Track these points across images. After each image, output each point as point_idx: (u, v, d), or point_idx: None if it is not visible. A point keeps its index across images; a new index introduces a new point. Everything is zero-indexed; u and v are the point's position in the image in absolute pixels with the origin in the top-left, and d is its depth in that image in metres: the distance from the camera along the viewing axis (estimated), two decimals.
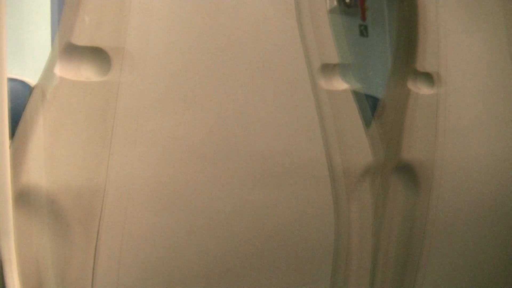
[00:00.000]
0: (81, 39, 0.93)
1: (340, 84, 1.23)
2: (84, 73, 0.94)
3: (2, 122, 0.84)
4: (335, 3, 1.53)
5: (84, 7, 0.93)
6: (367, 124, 1.30)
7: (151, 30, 0.98)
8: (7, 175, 0.85)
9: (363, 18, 1.69)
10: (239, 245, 1.09)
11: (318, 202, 1.18)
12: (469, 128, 1.46)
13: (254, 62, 1.10)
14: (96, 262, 0.94)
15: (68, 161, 0.92)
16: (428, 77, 1.38)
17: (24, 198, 0.90)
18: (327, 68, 1.20)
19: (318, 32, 1.19)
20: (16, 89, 1.02)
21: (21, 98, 0.97)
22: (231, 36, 1.07)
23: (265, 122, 1.10)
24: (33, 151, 0.90)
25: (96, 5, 0.94)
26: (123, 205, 0.96)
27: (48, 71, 0.94)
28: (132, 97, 0.96)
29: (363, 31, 1.67)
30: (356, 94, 1.26)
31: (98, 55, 0.94)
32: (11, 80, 0.88)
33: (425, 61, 1.37)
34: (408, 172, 1.37)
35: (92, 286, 0.95)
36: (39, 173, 0.90)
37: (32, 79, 1.03)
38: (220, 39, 1.06)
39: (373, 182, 1.31)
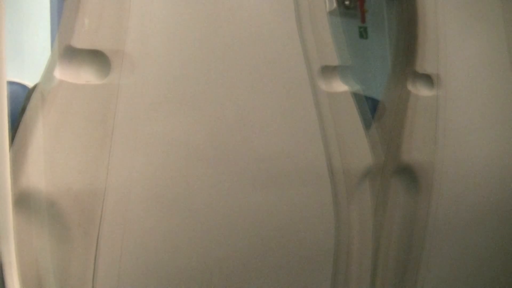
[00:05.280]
0: (80, 42, 0.93)
1: (340, 86, 1.23)
2: (84, 76, 0.94)
3: (2, 125, 0.84)
4: (335, 5, 1.54)
5: (84, 10, 0.93)
6: (367, 126, 1.30)
7: (150, 32, 0.98)
8: (7, 178, 0.85)
9: (363, 20, 1.69)
10: (240, 247, 1.09)
11: (318, 204, 1.18)
12: (469, 129, 1.45)
13: (254, 64, 1.10)
14: (96, 265, 0.94)
15: (68, 164, 0.92)
16: (428, 79, 1.38)
17: (24, 201, 0.89)
18: (327, 70, 1.20)
19: (318, 34, 1.19)
20: (15, 92, 1.02)
21: (21, 101, 0.97)
22: (230, 38, 1.07)
23: (265, 124, 1.10)
24: (33, 154, 0.90)
25: (96, 8, 0.94)
26: (123, 208, 0.96)
27: (48, 74, 0.94)
28: (132, 99, 0.96)
29: (363, 33, 1.67)
30: (355, 96, 1.26)
31: (98, 58, 0.95)
32: (10, 83, 0.88)
33: (425, 63, 1.37)
34: (408, 174, 1.37)
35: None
36: (39, 176, 0.90)
37: (31, 82, 1.04)
38: (220, 41, 1.06)
39: (373, 184, 1.31)
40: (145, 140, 0.98)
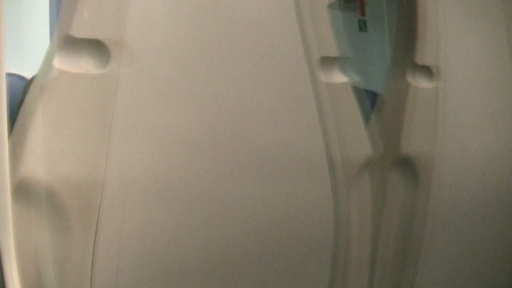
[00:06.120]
0: (80, 31, 0.93)
1: (339, 77, 1.23)
2: (83, 65, 0.94)
3: (1, 116, 0.83)
4: None
5: None
6: (366, 118, 1.30)
7: (150, 22, 0.98)
8: (6, 168, 0.84)
9: (362, 13, 1.68)
10: (238, 240, 1.09)
11: (317, 196, 1.18)
12: (469, 121, 1.46)
13: (254, 55, 1.10)
14: (95, 255, 0.94)
15: (67, 154, 0.92)
16: (428, 71, 1.38)
17: (23, 191, 0.89)
18: (327, 61, 1.20)
19: (318, 26, 1.19)
20: (14, 84, 1.01)
21: (20, 93, 0.97)
22: (230, 29, 1.07)
23: (264, 115, 1.10)
24: (32, 144, 0.90)
25: None
26: (122, 198, 0.96)
27: (47, 63, 0.94)
28: (131, 89, 0.96)
29: (362, 26, 1.67)
30: (355, 88, 1.26)
31: (97, 48, 0.94)
32: (9, 75, 0.88)
33: (424, 55, 1.37)
34: (408, 166, 1.37)
35: (91, 278, 0.95)
36: (38, 166, 0.90)
37: (30, 75, 1.03)
38: (220, 32, 1.06)
39: (373, 176, 1.31)
40: (145, 130, 0.98)
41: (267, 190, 1.11)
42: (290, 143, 1.14)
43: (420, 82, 1.37)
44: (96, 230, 0.94)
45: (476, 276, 1.55)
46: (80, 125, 0.93)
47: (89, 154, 0.94)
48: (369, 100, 1.37)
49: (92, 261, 0.95)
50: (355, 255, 1.29)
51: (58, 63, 0.92)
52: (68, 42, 0.93)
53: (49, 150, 0.91)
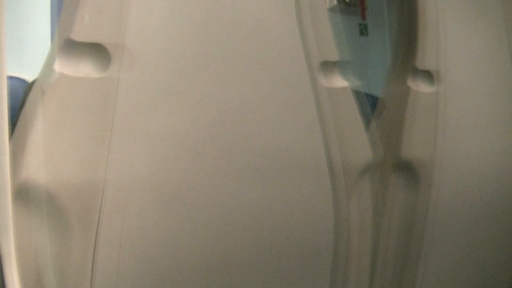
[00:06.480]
0: (80, 35, 0.93)
1: (340, 82, 1.23)
2: (84, 69, 0.94)
3: (2, 119, 0.84)
4: (335, 2, 1.54)
5: (84, 3, 0.93)
6: (366, 122, 1.30)
7: (150, 26, 0.98)
8: (7, 171, 0.85)
9: (363, 17, 1.69)
10: (238, 241, 1.09)
11: (317, 199, 1.18)
12: (469, 126, 1.46)
13: (254, 59, 1.10)
14: (95, 257, 0.94)
15: (68, 157, 0.92)
16: (428, 75, 1.38)
17: (23, 194, 0.89)
18: (327, 66, 1.20)
19: (318, 30, 1.19)
20: (15, 87, 1.02)
21: (21, 96, 0.97)
22: (231, 33, 1.07)
23: (265, 119, 1.10)
24: (32, 147, 0.90)
25: (96, 1, 0.94)
26: (123, 201, 0.96)
27: (48, 67, 0.94)
28: (132, 93, 0.96)
29: (363, 30, 1.68)
30: (355, 92, 1.26)
31: (98, 51, 0.94)
32: (10, 78, 0.88)
33: (425, 59, 1.37)
34: (408, 170, 1.37)
35: (91, 281, 0.95)
36: (38, 169, 0.90)
37: (31, 77, 1.04)
38: (220, 36, 1.06)
39: (373, 180, 1.31)
40: (145, 134, 0.98)
41: (267, 193, 1.11)
42: (291, 146, 1.14)
43: (420, 86, 1.37)
44: (96, 233, 0.94)
45: (477, 279, 1.55)
46: (80, 129, 0.93)
47: (89, 157, 0.94)
48: (369, 104, 1.37)
49: (93, 264, 0.95)
50: (355, 258, 1.29)
51: (59, 66, 0.92)
52: (68, 46, 0.93)
53: (49, 153, 0.91)
